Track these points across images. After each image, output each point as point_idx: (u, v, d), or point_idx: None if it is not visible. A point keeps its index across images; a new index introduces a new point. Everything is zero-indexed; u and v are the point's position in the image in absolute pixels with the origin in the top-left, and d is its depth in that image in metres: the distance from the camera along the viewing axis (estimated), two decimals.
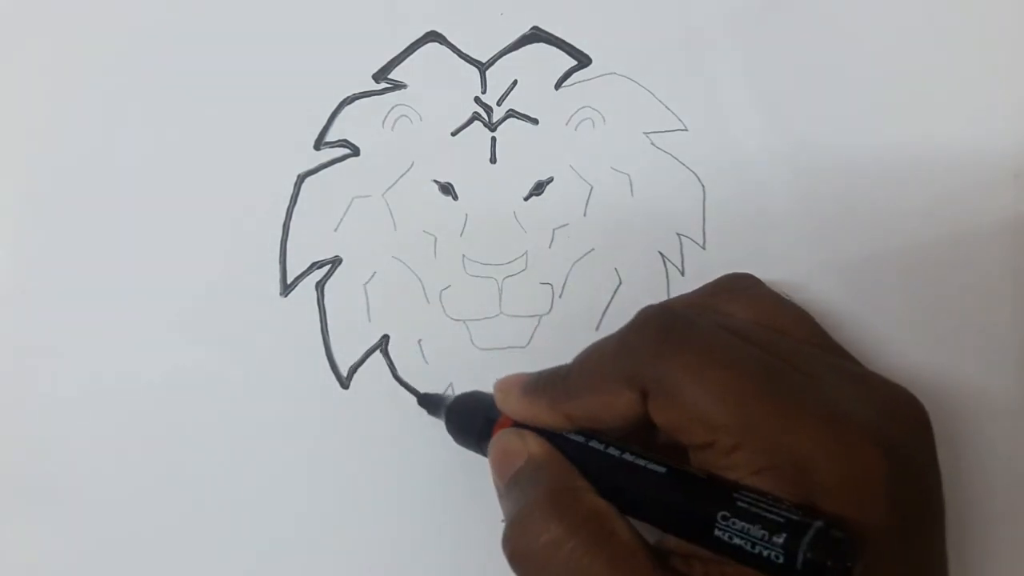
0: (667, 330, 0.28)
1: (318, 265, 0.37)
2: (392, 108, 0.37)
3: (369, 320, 0.37)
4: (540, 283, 0.37)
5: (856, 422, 0.26)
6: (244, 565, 0.37)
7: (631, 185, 0.37)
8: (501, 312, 0.37)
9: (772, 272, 0.36)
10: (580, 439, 0.30)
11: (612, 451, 0.29)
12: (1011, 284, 0.36)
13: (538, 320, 0.37)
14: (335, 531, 0.37)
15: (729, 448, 0.26)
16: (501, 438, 0.31)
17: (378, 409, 0.37)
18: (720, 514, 0.25)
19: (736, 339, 0.28)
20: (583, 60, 0.37)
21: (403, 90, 0.37)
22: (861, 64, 0.37)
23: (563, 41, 0.37)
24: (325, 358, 0.37)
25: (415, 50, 0.37)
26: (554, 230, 0.37)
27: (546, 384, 0.31)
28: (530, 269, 0.37)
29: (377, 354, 0.37)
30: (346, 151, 0.37)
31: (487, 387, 0.37)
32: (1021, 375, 0.36)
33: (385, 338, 0.37)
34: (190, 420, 0.37)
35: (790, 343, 0.30)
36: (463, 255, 0.37)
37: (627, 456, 0.28)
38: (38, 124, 0.38)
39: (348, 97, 0.37)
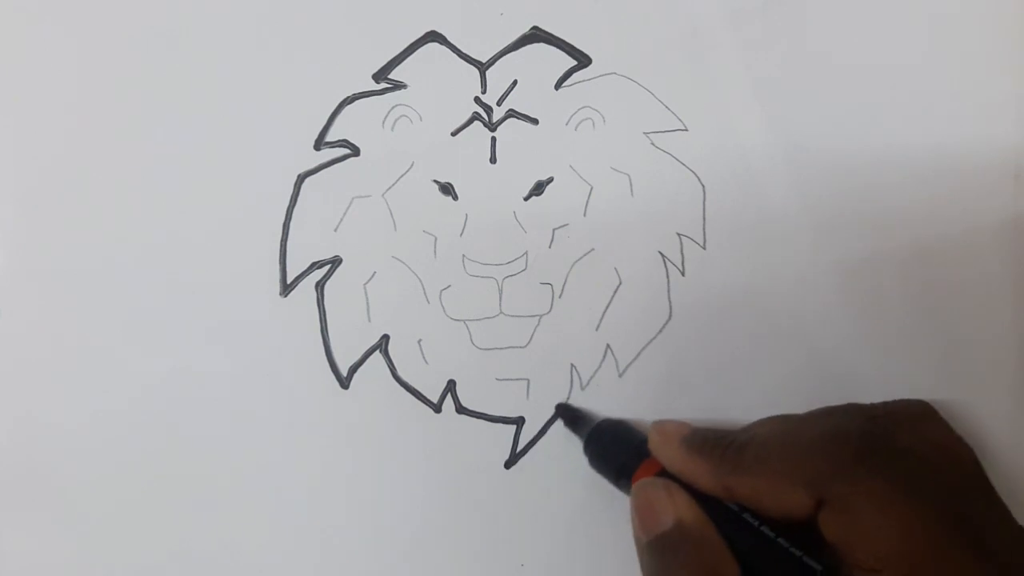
0: (867, 452, 0.28)
1: (318, 265, 0.37)
2: (392, 108, 0.37)
3: (369, 320, 0.37)
4: (540, 283, 0.37)
5: None
6: (244, 564, 0.37)
7: (631, 185, 0.37)
8: (501, 312, 0.37)
9: (772, 272, 0.36)
10: (734, 507, 0.29)
11: (765, 531, 0.28)
12: (1011, 284, 0.36)
13: (538, 320, 0.37)
14: (334, 530, 0.37)
15: None
16: (648, 488, 0.31)
17: (378, 409, 0.37)
18: None
19: (928, 472, 0.28)
20: (583, 60, 0.37)
21: (403, 90, 0.37)
22: (861, 64, 0.37)
23: (563, 41, 0.37)
24: (325, 358, 0.37)
25: (415, 50, 0.37)
26: (554, 230, 0.37)
27: (713, 448, 0.30)
28: (530, 269, 0.37)
29: (377, 354, 0.37)
30: (346, 151, 0.37)
31: (487, 385, 0.37)
32: (1021, 375, 0.36)
33: (385, 338, 0.37)
34: (190, 420, 0.37)
35: (973, 486, 0.30)
36: (463, 255, 0.37)
37: (781, 541, 0.28)
38: (38, 126, 0.38)
39: (348, 97, 0.37)
